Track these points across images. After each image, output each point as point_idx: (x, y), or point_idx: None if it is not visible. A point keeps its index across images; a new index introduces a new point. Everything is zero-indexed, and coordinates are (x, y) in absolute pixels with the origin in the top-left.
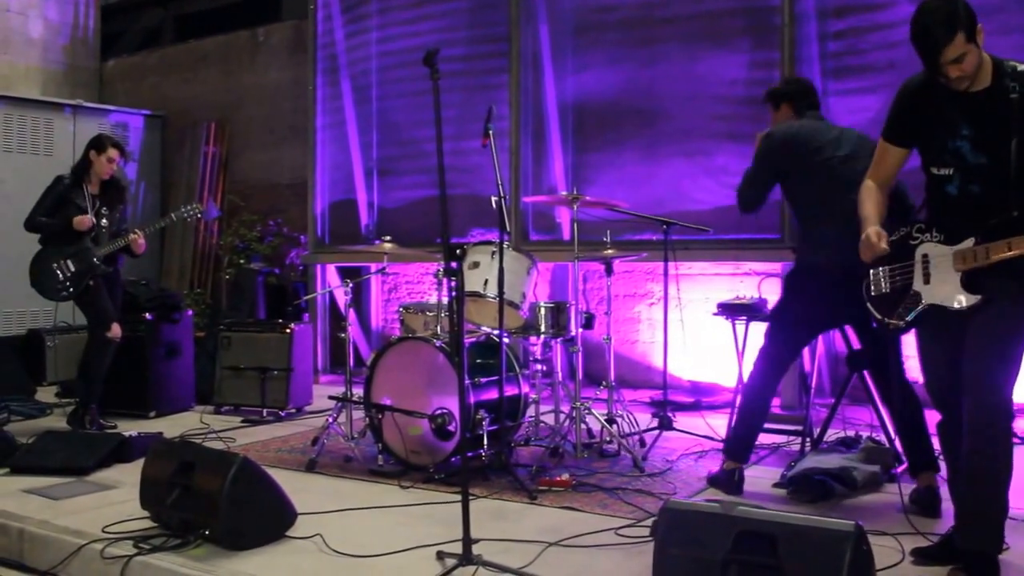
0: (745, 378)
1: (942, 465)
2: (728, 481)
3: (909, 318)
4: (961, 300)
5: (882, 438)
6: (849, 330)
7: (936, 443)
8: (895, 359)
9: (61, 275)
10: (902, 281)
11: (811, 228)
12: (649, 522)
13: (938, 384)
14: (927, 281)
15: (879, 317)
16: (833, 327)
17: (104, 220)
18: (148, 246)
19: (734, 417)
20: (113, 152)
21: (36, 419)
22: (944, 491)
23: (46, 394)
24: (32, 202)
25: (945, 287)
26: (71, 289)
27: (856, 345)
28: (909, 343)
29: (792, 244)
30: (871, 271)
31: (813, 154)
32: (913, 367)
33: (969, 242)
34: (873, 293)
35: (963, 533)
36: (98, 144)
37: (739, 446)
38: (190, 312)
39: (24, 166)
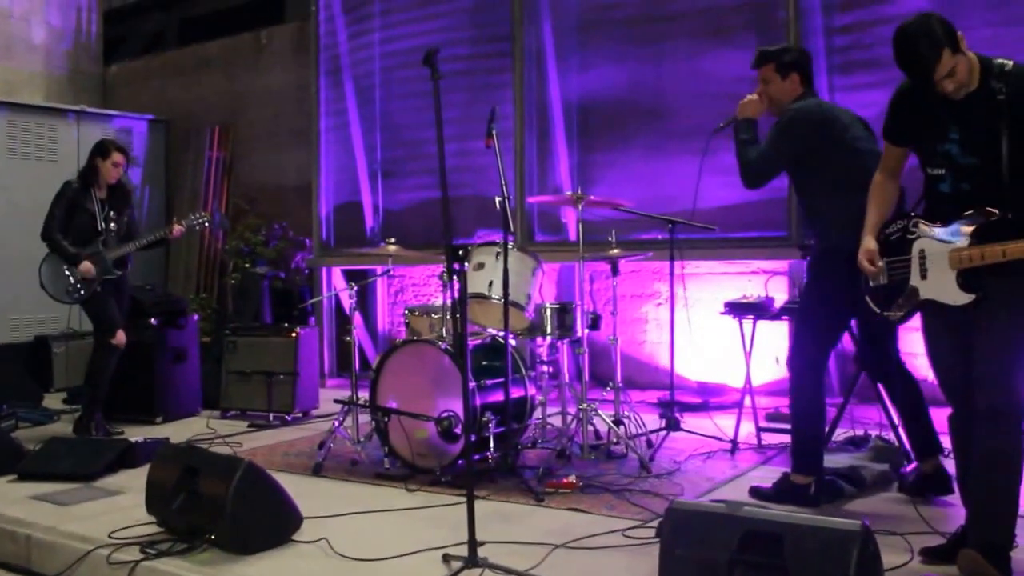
0: (752, 379)
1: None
2: (803, 494)
3: (905, 311)
4: (957, 298)
5: (891, 437)
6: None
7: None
8: (893, 346)
9: (72, 278)
10: (900, 275)
11: (843, 206)
12: (656, 523)
13: (949, 378)
14: (924, 276)
15: (876, 310)
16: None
17: (113, 224)
18: (150, 254)
19: (792, 431)
20: (117, 156)
21: (44, 425)
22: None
23: (53, 400)
24: (37, 208)
25: (941, 284)
26: (82, 292)
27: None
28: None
29: (800, 242)
30: None
31: (843, 131)
32: (920, 365)
33: (964, 241)
34: (872, 284)
35: (975, 529)
36: (102, 150)
37: (804, 458)
38: (196, 317)
39: (29, 172)
